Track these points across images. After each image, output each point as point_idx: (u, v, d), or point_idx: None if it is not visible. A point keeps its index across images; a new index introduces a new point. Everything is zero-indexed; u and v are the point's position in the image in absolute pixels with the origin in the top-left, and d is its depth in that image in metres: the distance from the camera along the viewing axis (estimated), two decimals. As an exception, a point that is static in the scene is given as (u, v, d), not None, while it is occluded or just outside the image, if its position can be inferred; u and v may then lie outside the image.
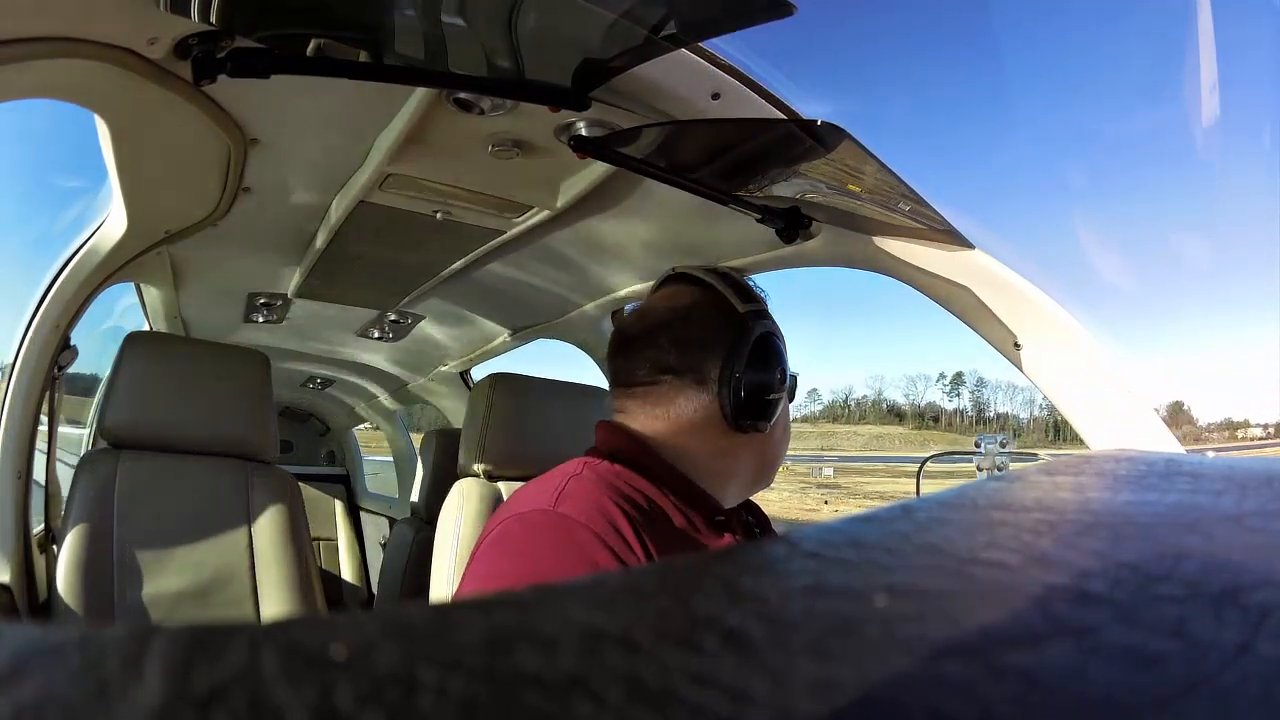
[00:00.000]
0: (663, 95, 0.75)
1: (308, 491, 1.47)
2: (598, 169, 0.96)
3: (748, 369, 0.69)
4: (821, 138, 0.75)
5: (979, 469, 2.13)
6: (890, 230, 0.90)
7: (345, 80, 0.77)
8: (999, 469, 2.06)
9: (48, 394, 1.24)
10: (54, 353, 1.20)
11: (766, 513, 0.84)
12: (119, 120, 0.82)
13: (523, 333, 1.73)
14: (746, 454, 0.72)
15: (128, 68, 0.69)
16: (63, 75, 0.70)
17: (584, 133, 0.83)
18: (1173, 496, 0.22)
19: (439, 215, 1.11)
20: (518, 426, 1.16)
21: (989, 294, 0.86)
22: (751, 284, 0.76)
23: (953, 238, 0.85)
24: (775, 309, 0.75)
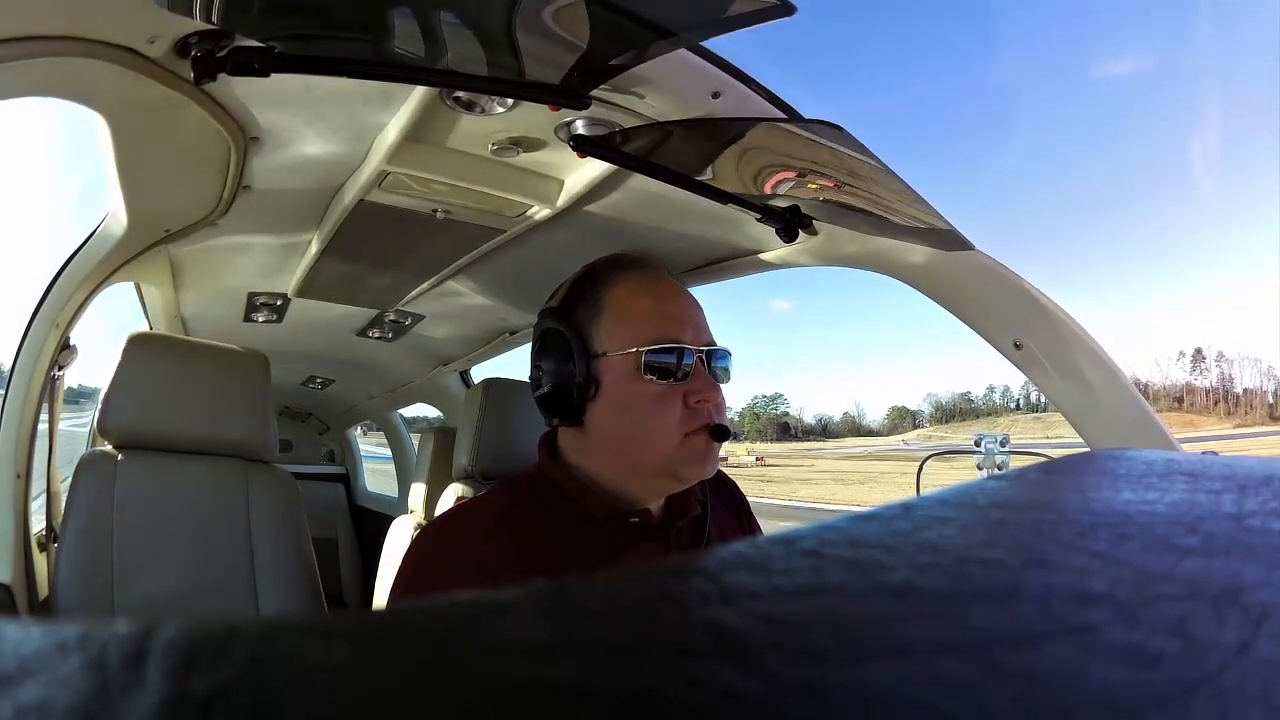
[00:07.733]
0: (663, 94, 0.75)
1: (307, 491, 1.47)
2: (598, 168, 0.96)
3: (536, 367, 0.79)
4: (822, 137, 0.75)
5: (979, 468, 2.13)
6: (890, 230, 0.89)
7: (345, 79, 0.77)
8: (999, 468, 2.06)
9: (48, 394, 1.24)
10: (54, 352, 1.20)
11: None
12: (119, 119, 0.81)
13: (523, 332, 1.72)
14: (592, 447, 0.76)
15: (128, 66, 0.69)
16: (63, 74, 0.70)
17: (584, 132, 0.83)
18: (1173, 496, 0.22)
19: (439, 214, 1.11)
20: (511, 429, 1.17)
21: (989, 294, 0.86)
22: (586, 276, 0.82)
23: (953, 238, 0.84)
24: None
